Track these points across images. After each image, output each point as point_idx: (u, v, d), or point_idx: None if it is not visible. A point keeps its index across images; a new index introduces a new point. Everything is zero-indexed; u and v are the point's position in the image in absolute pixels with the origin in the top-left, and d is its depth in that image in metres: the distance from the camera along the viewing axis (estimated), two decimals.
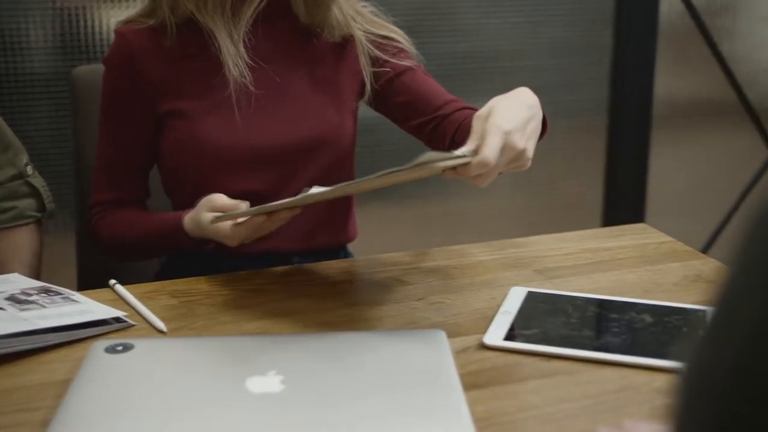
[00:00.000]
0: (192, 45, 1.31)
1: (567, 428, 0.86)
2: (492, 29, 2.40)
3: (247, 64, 1.29)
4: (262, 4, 1.29)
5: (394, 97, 1.38)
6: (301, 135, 1.33)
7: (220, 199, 1.18)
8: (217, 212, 1.17)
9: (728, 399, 0.33)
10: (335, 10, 1.35)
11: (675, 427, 0.36)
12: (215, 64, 1.30)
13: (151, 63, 1.31)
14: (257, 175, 1.32)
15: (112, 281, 1.18)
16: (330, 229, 1.41)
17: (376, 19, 1.41)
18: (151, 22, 1.31)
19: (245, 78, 1.29)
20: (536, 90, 1.09)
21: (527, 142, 1.02)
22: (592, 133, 2.61)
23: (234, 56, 1.28)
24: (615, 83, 2.54)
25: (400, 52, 1.39)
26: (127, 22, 1.34)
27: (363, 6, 1.41)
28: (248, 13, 1.29)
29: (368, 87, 1.37)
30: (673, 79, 2.60)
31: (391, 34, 1.40)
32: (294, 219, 1.30)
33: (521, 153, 1.01)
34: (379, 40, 1.39)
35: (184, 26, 1.31)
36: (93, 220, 1.39)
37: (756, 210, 0.36)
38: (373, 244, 1.37)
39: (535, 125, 1.05)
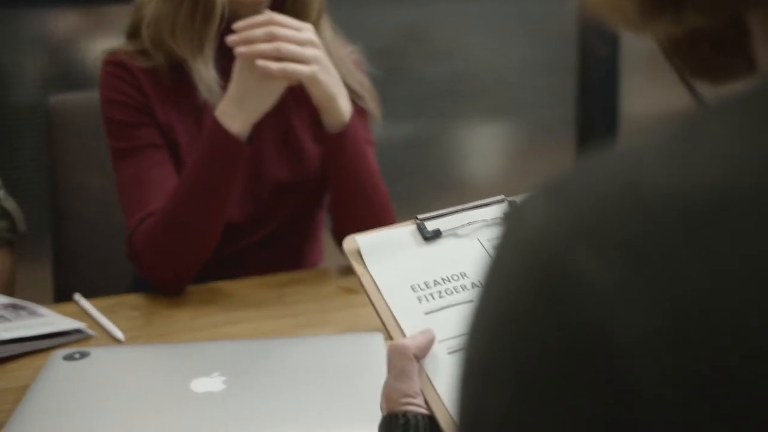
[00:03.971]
0: (180, 83, 1.31)
1: None
2: (460, 52, 2.48)
3: (220, 85, 1.27)
4: (224, 24, 1.26)
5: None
6: (291, 173, 1.35)
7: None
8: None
9: None
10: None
11: None
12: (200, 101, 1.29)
13: (148, 85, 1.31)
14: (241, 209, 1.33)
15: (76, 295, 1.25)
16: (295, 256, 1.43)
17: (353, 68, 1.36)
18: (143, 64, 1.30)
19: (218, 99, 1.26)
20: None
21: None
22: (560, 150, 2.69)
23: (206, 79, 1.27)
24: (581, 100, 2.62)
25: (359, 116, 1.33)
26: (115, 52, 1.32)
27: (350, 52, 1.38)
28: (211, 33, 1.27)
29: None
30: (638, 95, 2.68)
31: (361, 91, 1.34)
32: (261, 247, 1.36)
33: None
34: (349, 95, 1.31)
35: (173, 68, 1.30)
36: (131, 244, 1.29)
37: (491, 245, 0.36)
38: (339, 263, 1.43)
39: None
